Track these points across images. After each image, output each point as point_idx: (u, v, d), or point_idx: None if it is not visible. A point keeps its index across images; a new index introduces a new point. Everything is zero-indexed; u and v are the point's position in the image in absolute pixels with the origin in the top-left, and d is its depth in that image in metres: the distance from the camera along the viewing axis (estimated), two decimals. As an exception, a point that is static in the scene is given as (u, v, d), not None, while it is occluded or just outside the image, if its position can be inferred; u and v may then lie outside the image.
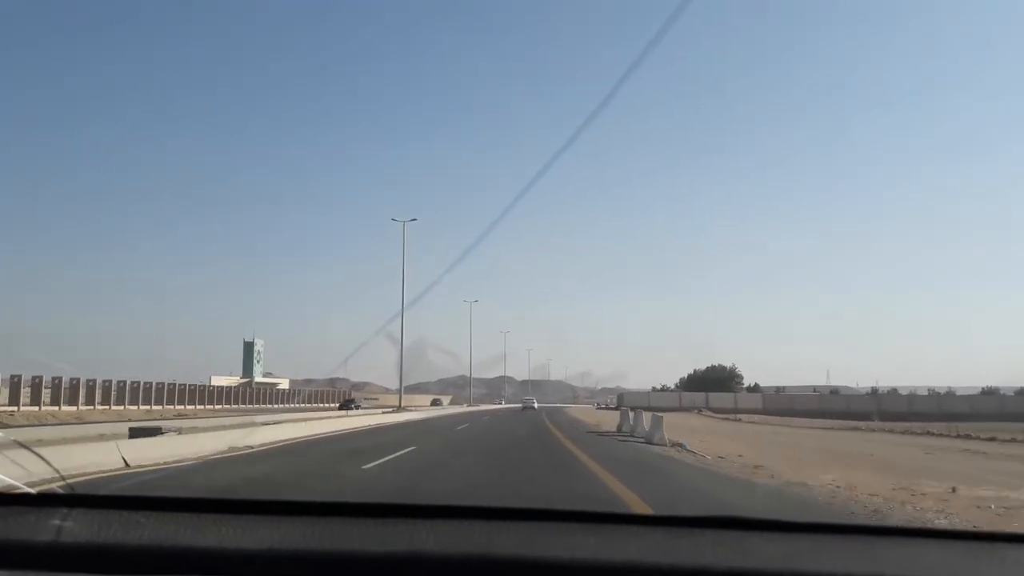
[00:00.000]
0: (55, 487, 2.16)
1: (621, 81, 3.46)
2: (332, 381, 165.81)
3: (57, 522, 1.76)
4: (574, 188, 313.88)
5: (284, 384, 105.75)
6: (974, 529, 1.96)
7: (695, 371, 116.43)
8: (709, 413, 73.16)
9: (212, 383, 75.60)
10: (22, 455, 2.57)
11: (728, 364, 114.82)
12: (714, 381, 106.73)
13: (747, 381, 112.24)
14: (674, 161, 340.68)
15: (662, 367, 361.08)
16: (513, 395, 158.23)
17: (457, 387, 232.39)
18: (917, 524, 1.90)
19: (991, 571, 1.68)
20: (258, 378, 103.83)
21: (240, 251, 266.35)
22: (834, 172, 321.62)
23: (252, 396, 76.84)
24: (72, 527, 1.75)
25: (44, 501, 1.99)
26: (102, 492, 2.16)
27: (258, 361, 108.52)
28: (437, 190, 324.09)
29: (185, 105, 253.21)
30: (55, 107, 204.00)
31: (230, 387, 76.89)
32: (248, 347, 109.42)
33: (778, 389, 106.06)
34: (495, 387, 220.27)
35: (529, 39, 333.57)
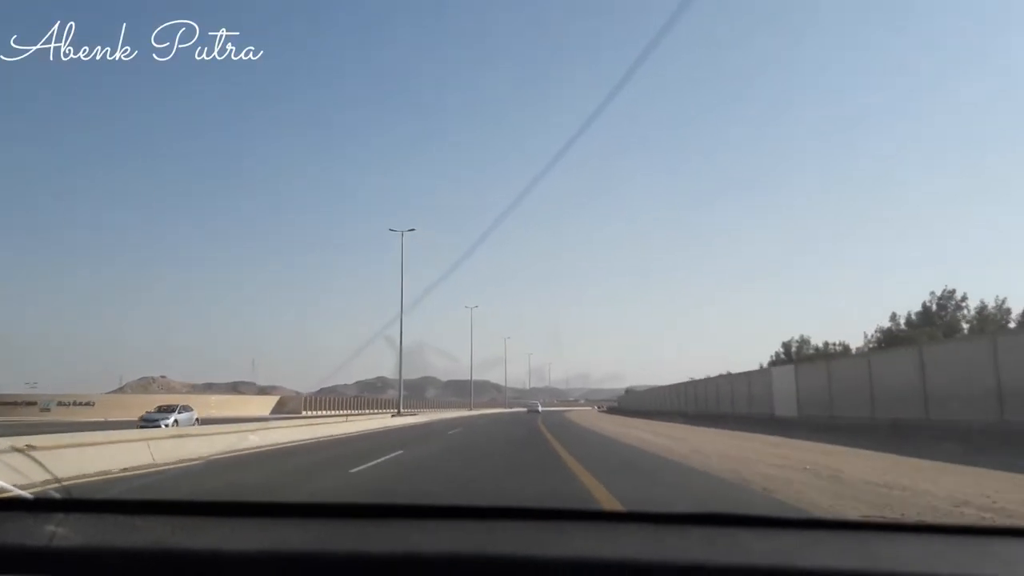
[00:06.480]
0: (51, 491, 2.06)
1: (617, 89, 3.17)
2: (235, 385, 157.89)
3: (52, 527, 1.73)
4: (573, 190, 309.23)
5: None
6: (965, 524, 1.81)
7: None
8: None
9: None
10: (16, 459, 2.11)
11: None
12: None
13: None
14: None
15: (662, 367, 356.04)
16: (442, 399, 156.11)
17: (375, 390, 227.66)
18: (910, 520, 1.98)
19: (982, 565, 1.68)
20: None
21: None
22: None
23: None
24: (67, 532, 1.72)
25: (40, 506, 1.94)
26: (98, 496, 2.12)
27: None
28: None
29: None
30: None
31: None
32: None
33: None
34: (418, 388, 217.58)
35: (527, 43, 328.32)
